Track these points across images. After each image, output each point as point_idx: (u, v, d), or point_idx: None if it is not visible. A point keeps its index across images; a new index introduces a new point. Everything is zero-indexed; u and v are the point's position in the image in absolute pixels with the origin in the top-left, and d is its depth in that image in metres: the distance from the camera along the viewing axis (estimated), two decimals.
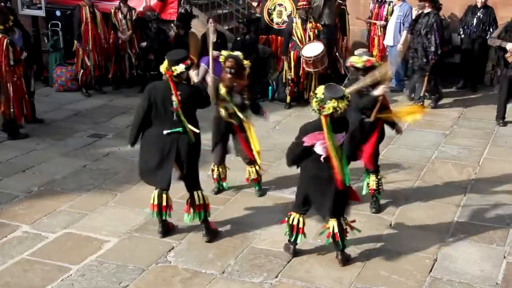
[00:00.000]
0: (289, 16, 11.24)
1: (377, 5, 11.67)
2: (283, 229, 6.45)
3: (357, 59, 6.46)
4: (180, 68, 5.92)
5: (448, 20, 12.06)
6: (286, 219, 5.95)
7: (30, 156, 8.61)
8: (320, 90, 5.49)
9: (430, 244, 6.18)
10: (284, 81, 10.73)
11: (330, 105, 5.38)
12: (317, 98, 5.44)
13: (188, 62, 5.99)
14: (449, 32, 11.71)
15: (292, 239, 5.92)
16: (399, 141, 8.98)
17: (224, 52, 7.01)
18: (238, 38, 10.97)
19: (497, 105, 9.91)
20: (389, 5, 11.65)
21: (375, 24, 11.60)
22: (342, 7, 11.61)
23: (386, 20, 11.47)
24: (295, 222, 5.85)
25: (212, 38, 7.65)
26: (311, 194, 5.75)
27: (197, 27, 11.60)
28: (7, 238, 6.36)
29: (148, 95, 6.03)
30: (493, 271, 5.76)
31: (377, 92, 6.25)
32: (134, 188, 7.53)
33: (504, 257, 5.99)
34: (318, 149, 5.56)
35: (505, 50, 9.46)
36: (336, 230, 5.73)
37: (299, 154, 5.67)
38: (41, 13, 11.72)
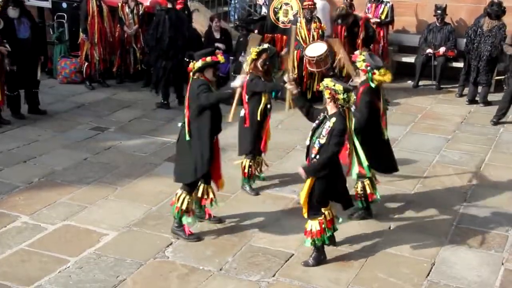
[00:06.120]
0: (295, 15, 11.24)
1: (374, 4, 11.81)
2: (281, 228, 6.47)
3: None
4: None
5: (455, 24, 12.06)
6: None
7: (32, 147, 8.62)
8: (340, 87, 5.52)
9: (428, 248, 6.18)
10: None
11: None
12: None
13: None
14: (455, 36, 11.71)
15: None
16: (401, 144, 8.98)
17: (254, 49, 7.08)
18: (241, 39, 11.01)
19: (499, 105, 10.07)
20: (385, 5, 11.81)
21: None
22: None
23: (380, 19, 11.68)
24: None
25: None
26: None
27: (202, 22, 11.59)
28: (6, 228, 6.37)
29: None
30: (491, 277, 5.76)
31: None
32: (134, 182, 7.54)
33: (502, 264, 5.99)
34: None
35: None
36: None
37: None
38: (47, 4, 11.72)
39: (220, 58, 6.10)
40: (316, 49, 10.00)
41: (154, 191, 7.19)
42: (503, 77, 10.50)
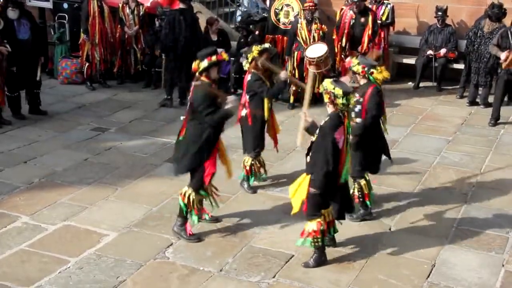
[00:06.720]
0: (296, 16, 11.25)
1: (375, 5, 11.81)
2: (282, 229, 6.49)
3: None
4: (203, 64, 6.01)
5: (456, 25, 12.06)
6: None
7: (32, 147, 8.62)
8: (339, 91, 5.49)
9: (428, 250, 6.18)
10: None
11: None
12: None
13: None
14: (456, 38, 11.71)
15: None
16: (401, 145, 8.98)
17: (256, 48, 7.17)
18: (242, 40, 11.02)
19: (492, 106, 10.12)
20: (386, 6, 11.84)
21: None
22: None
23: (381, 20, 11.66)
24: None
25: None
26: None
27: (203, 23, 11.58)
28: (6, 229, 6.37)
29: None
30: (491, 279, 5.75)
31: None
32: (134, 183, 7.54)
33: (503, 265, 5.98)
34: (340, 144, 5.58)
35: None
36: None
37: (333, 158, 5.53)
38: (48, 5, 11.73)
39: (225, 56, 6.18)
40: (317, 50, 10.00)
41: (155, 192, 7.19)
42: None
